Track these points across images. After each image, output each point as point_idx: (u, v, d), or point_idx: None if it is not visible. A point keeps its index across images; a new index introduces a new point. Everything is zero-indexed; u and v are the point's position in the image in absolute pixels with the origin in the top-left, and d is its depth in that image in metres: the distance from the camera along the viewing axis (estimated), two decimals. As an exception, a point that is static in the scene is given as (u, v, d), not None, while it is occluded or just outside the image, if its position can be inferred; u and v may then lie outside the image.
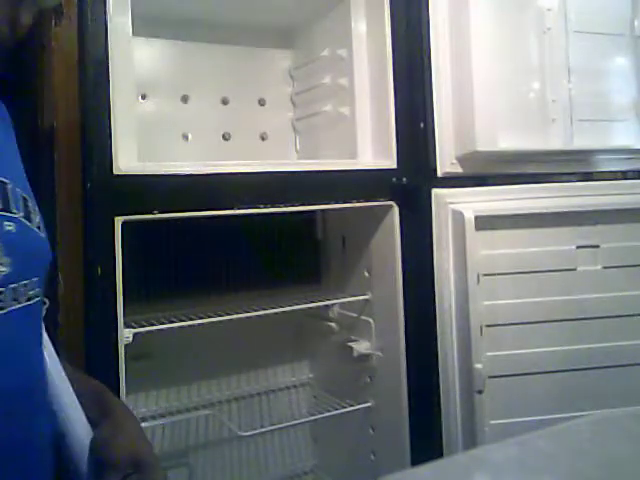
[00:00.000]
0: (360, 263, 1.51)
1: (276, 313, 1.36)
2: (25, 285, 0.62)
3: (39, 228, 0.68)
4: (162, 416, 1.50)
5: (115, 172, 1.05)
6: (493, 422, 1.30)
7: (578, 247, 1.39)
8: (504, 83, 1.35)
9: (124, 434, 0.68)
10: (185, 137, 1.60)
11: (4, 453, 0.57)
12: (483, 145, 1.30)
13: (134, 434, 0.69)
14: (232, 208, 1.17)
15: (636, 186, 1.45)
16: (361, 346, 1.45)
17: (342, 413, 1.46)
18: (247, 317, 1.32)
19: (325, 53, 1.57)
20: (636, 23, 1.46)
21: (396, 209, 1.35)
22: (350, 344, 1.47)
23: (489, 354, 1.32)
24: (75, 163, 1.05)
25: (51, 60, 1.04)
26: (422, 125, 1.35)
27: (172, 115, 1.59)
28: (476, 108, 1.30)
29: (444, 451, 1.33)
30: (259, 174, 1.21)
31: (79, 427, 0.68)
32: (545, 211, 1.36)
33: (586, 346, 1.36)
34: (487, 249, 1.33)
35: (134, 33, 1.13)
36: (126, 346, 1.08)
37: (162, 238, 1.50)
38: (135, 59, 1.20)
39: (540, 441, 0.77)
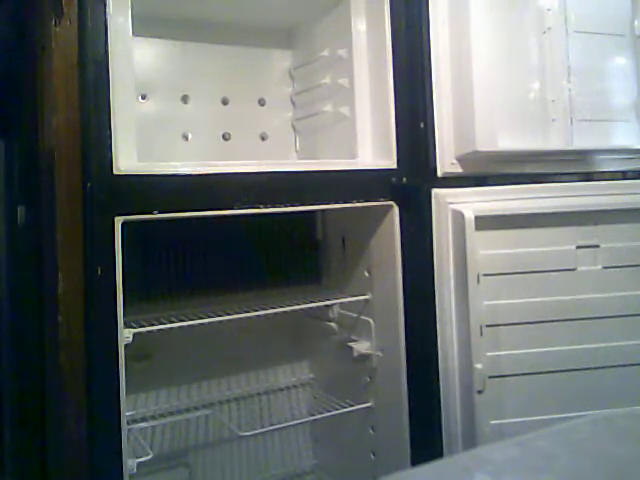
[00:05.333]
0: (360, 263, 1.51)
1: (276, 313, 1.36)
2: None
3: None
4: (162, 416, 1.50)
5: (115, 172, 1.05)
6: (493, 422, 1.30)
7: (578, 247, 1.39)
8: (504, 83, 1.35)
9: None
10: (185, 137, 1.60)
11: None
12: (483, 145, 1.30)
13: None
14: (232, 208, 1.17)
15: (636, 186, 1.45)
16: (361, 346, 1.45)
17: (342, 413, 1.46)
18: (247, 317, 1.32)
19: (325, 53, 1.57)
20: (636, 23, 1.46)
21: (396, 209, 1.35)
22: (350, 344, 1.47)
23: (489, 354, 1.32)
24: (75, 163, 1.05)
25: (51, 60, 1.04)
26: (422, 125, 1.35)
27: (172, 115, 1.59)
28: (476, 108, 1.30)
29: (444, 451, 1.33)
30: (259, 174, 1.21)
31: None
32: (545, 211, 1.36)
33: (586, 346, 1.36)
34: (487, 249, 1.33)
35: (134, 33, 1.12)
36: (126, 346, 1.08)
37: (162, 238, 1.51)
38: (135, 59, 1.21)
39: (540, 441, 0.77)
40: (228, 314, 1.30)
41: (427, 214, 1.35)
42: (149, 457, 1.19)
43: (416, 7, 1.35)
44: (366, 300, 1.47)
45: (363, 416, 1.47)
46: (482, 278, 1.31)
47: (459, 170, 1.36)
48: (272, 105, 1.73)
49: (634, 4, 1.46)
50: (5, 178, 1.27)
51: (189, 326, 1.26)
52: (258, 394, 1.68)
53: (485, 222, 1.31)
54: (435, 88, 1.35)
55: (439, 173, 1.35)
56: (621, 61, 1.47)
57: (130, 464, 1.10)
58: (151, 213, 1.09)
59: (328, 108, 1.57)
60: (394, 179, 1.34)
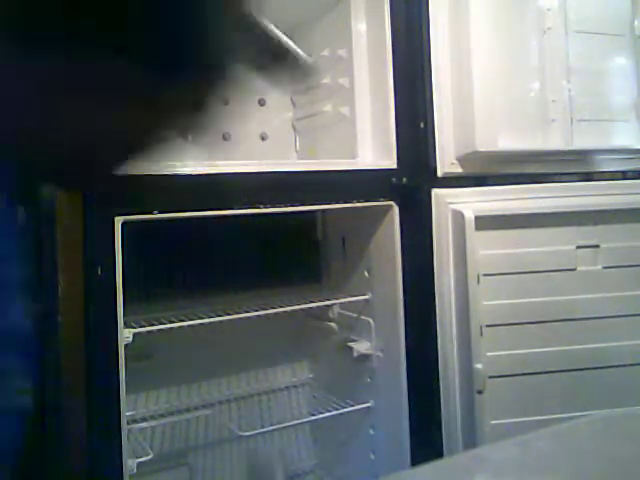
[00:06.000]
0: (360, 263, 1.51)
1: (276, 313, 1.36)
2: None
3: None
4: (162, 416, 1.50)
5: (115, 172, 1.05)
6: (493, 422, 1.30)
7: (578, 247, 1.39)
8: (504, 83, 1.35)
9: None
10: (185, 137, 1.60)
11: None
12: (483, 145, 1.30)
13: None
14: (232, 208, 1.17)
15: (636, 186, 1.45)
16: (361, 346, 1.45)
17: (342, 413, 1.46)
18: (247, 317, 1.32)
19: (325, 53, 1.57)
20: (636, 23, 1.46)
21: (396, 209, 1.35)
22: (350, 344, 1.47)
23: (489, 354, 1.32)
24: (75, 163, 1.04)
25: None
26: (422, 125, 1.35)
27: (172, 115, 1.58)
28: (476, 108, 1.30)
29: (444, 451, 1.33)
30: (259, 174, 1.21)
31: None
32: (545, 211, 1.36)
33: (586, 346, 1.36)
34: (487, 249, 1.33)
35: (134, 33, 1.12)
36: (126, 346, 1.08)
37: (162, 238, 1.50)
38: (135, 59, 1.20)
39: (540, 441, 0.77)
40: (228, 314, 1.30)
41: (427, 214, 1.35)
42: (149, 457, 1.19)
43: (416, 7, 1.35)
44: (366, 300, 1.47)
45: (363, 416, 1.47)
46: (482, 278, 1.31)
47: (459, 170, 1.36)
48: (272, 105, 1.73)
49: (634, 4, 1.46)
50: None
51: (189, 326, 1.26)
52: (258, 394, 1.68)
53: (485, 222, 1.31)
54: (435, 88, 1.35)
55: (439, 173, 1.35)
56: (621, 61, 1.47)
57: (130, 464, 1.10)
58: (151, 213, 1.09)
59: (328, 108, 1.57)
60: (394, 179, 1.34)
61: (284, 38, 0.58)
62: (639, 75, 1.46)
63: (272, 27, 0.55)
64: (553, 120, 1.40)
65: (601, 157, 1.46)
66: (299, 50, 0.59)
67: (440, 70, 1.35)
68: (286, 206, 1.22)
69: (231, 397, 1.63)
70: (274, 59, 0.57)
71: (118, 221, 1.05)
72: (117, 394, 1.05)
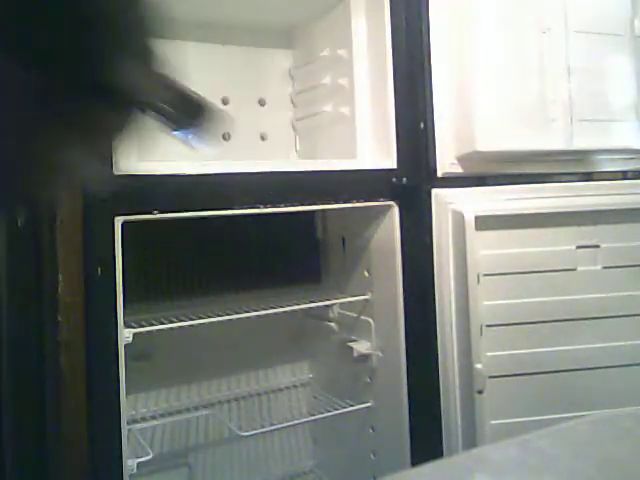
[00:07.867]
0: (360, 263, 1.51)
1: (276, 313, 1.36)
2: None
3: None
4: (162, 416, 1.50)
5: (115, 172, 1.05)
6: (493, 422, 1.30)
7: (578, 247, 1.39)
8: (504, 83, 1.34)
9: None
10: (185, 137, 1.59)
11: None
12: (483, 145, 1.30)
13: None
14: (232, 208, 1.17)
15: (636, 186, 1.45)
16: (361, 346, 1.45)
17: (342, 413, 1.46)
18: (247, 317, 1.32)
19: (325, 53, 1.57)
20: (636, 23, 1.46)
21: (396, 209, 1.35)
22: (350, 344, 1.47)
23: (489, 354, 1.32)
24: (75, 163, 1.04)
25: (51, 60, 1.04)
26: (422, 125, 1.35)
27: (172, 115, 1.58)
28: (476, 108, 1.30)
29: (444, 451, 1.33)
30: (259, 174, 1.21)
31: None
32: (545, 211, 1.36)
33: (586, 346, 1.36)
34: (487, 249, 1.33)
35: (134, 33, 1.12)
36: (126, 346, 1.08)
37: (162, 238, 1.50)
38: (135, 59, 1.20)
39: (540, 441, 0.77)
40: (228, 314, 1.30)
41: (427, 214, 1.35)
42: (149, 457, 1.19)
43: (416, 7, 1.35)
44: (366, 300, 1.47)
45: (363, 416, 1.47)
46: (482, 278, 1.31)
47: (459, 170, 1.36)
48: (272, 105, 1.73)
49: (634, 4, 1.46)
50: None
51: (189, 326, 1.26)
52: (258, 394, 1.68)
53: (485, 222, 1.31)
54: (435, 88, 1.35)
55: (439, 173, 1.35)
56: (621, 61, 1.47)
57: (130, 464, 1.10)
58: (151, 213, 1.09)
59: (328, 108, 1.57)
60: (394, 179, 1.34)
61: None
62: (639, 75, 1.46)
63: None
64: (553, 120, 1.40)
65: (601, 157, 1.46)
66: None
67: (440, 70, 1.35)
68: (286, 206, 1.22)
69: (231, 397, 1.63)
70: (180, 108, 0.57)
71: (118, 221, 1.05)
72: (117, 394, 1.05)
